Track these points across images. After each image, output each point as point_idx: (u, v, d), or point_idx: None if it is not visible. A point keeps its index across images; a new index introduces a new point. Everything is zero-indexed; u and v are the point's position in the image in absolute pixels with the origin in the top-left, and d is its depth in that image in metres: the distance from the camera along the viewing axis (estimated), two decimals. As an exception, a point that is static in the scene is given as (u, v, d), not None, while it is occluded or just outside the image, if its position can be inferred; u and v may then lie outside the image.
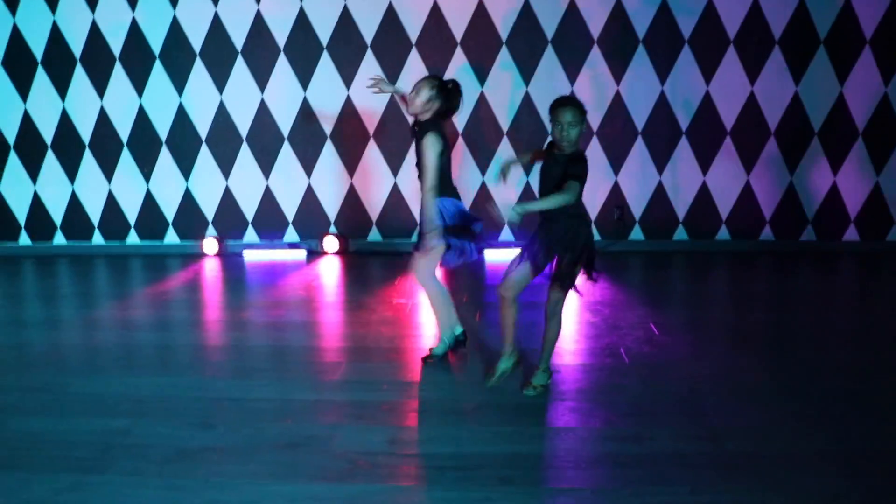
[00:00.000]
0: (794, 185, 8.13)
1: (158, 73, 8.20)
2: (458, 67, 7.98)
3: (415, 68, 7.89)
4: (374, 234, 8.44)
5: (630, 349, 5.02)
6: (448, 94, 4.53)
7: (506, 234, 8.34)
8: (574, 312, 5.74)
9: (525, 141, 8.05)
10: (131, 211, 8.58)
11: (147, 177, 8.45)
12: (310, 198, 8.32)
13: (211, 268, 7.91)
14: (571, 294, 4.18)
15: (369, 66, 7.96)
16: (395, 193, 8.25)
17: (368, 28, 7.94)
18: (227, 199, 8.44)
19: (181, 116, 8.27)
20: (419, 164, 4.51)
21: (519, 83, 8.02)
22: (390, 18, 7.91)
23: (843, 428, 3.83)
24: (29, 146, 8.50)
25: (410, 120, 4.72)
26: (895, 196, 8.14)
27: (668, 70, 7.94)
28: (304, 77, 8.09)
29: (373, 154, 8.20)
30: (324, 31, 7.99)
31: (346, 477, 3.41)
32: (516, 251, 4.30)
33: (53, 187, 8.58)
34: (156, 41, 8.14)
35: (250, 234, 8.55)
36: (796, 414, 3.99)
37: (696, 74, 7.94)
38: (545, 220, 4.09)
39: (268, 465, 3.54)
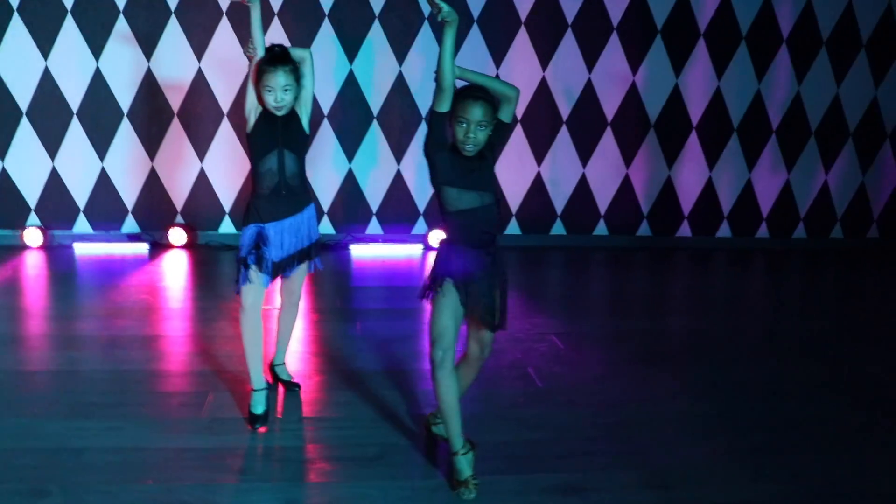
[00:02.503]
0: (672, 179, 7.95)
1: (-34, 32, 6.92)
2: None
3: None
4: (227, 226, 7.53)
5: (539, 369, 4.48)
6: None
7: (374, 228, 7.68)
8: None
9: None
10: (-68, 194, 7.25)
11: (-48, 154, 7.15)
12: (153, 183, 7.28)
13: (33, 263, 6.76)
14: None
15: (224, 35, 7.06)
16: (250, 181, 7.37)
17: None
18: (54, 183, 7.25)
19: (-5, 84, 7.03)
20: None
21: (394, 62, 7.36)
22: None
23: (795, 462, 3.47)
24: None
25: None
26: (802, 193, 8.17)
27: (550, 55, 7.52)
28: (149, 45, 7.05)
29: (226, 134, 7.27)
30: (172, -8, 7.00)
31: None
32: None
33: None
34: (-38, -7, 6.85)
35: (82, 224, 7.40)
36: (733, 448, 3.60)
37: (579, 60, 7.56)
38: (486, 242, 3.19)
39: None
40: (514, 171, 7.71)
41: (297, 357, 4.51)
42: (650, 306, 6.11)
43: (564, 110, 7.66)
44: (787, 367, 4.71)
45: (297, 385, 4.05)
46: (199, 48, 7.07)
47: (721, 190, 8.08)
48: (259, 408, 3.66)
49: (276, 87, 3.42)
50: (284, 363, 4.13)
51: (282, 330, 4.07)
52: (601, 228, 8.00)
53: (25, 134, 7.11)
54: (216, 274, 6.56)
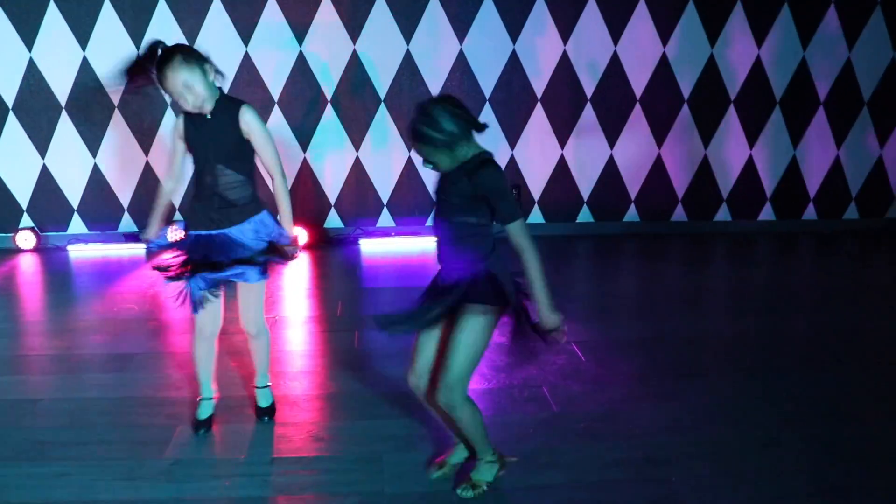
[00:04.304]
0: (708, 158, 7.30)
1: (-54, 24, 6.50)
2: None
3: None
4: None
5: (555, 388, 3.90)
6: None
7: (385, 220, 7.15)
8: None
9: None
10: (-80, 197, 6.87)
11: (-62, 154, 6.75)
12: (149, 179, 6.83)
13: (22, 269, 6.36)
14: None
15: (216, 19, 6.56)
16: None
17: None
18: (46, 182, 6.84)
19: (-21, 78, 6.60)
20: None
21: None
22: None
23: None
24: None
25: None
26: (854, 171, 7.50)
27: (571, 27, 6.89)
28: (136, 31, 6.56)
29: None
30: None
31: None
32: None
33: None
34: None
35: (77, 225, 6.99)
36: (791, 491, 3.02)
37: (604, 32, 6.92)
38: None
39: None
40: (535, 155, 7.13)
41: (280, 378, 4.01)
42: (685, 304, 5.45)
43: (589, 87, 7.04)
44: (857, 376, 4.08)
45: (268, 415, 3.55)
46: (191, 33, 6.58)
47: (763, 169, 7.41)
48: (203, 414, 3.47)
49: (175, 90, 2.97)
50: (268, 386, 3.64)
51: (255, 359, 3.60)
52: (632, 214, 7.39)
53: (13, 131, 6.70)
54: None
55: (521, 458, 3.17)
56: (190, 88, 2.98)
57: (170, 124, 6.67)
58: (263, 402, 3.59)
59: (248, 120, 3.11)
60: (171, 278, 3.21)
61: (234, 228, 3.20)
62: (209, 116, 3.09)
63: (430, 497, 2.93)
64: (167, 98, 3.04)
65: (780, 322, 4.99)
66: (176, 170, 3.29)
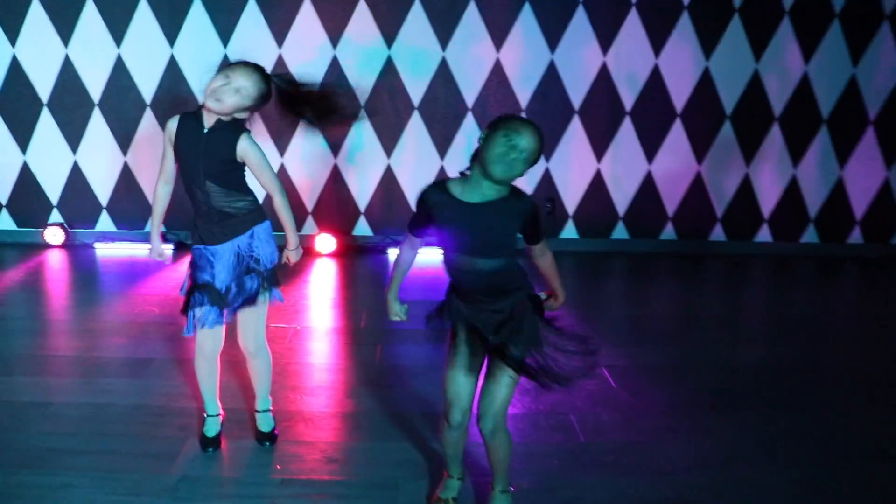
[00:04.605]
0: (750, 177, 7.07)
1: (-17, 18, 6.50)
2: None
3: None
4: (260, 224, 6.96)
5: (584, 416, 3.73)
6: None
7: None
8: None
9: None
10: (-47, 189, 6.88)
11: (-28, 147, 6.75)
12: (178, 179, 6.75)
13: (50, 265, 6.33)
14: None
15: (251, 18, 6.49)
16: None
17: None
18: (76, 178, 6.81)
19: (15, 73, 6.57)
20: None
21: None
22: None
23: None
24: None
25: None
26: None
27: (612, 38, 6.71)
28: (172, 31, 6.51)
29: (256, 124, 6.70)
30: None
31: None
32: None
33: None
34: (-22, -23, 6.42)
35: (105, 222, 6.95)
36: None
37: (645, 44, 6.74)
38: (491, 292, 2.62)
39: None
40: (570, 168, 6.95)
41: (297, 392, 3.89)
42: (724, 329, 5.24)
43: (628, 100, 6.85)
44: None
45: (270, 441, 3.39)
46: (225, 33, 6.51)
47: (807, 189, 7.15)
48: (210, 431, 3.37)
49: (231, 86, 2.95)
50: (269, 410, 3.48)
51: (255, 381, 3.45)
52: (669, 232, 7.18)
53: (47, 127, 6.68)
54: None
55: (544, 490, 3.02)
56: (238, 92, 2.95)
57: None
58: (265, 427, 3.43)
59: (244, 147, 3.03)
60: (184, 311, 3.17)
61: (238, 240, 3.10)
62: (206, 130, 3.00)
63: (444, 530, 2.79)
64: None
65: (820, 352, 4.78)
66: (168, 172, 3.21)
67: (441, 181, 2.60)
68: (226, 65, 3.02)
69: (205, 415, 3.40)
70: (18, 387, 3.91)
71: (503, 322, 2.60)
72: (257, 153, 3.05)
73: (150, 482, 3.03)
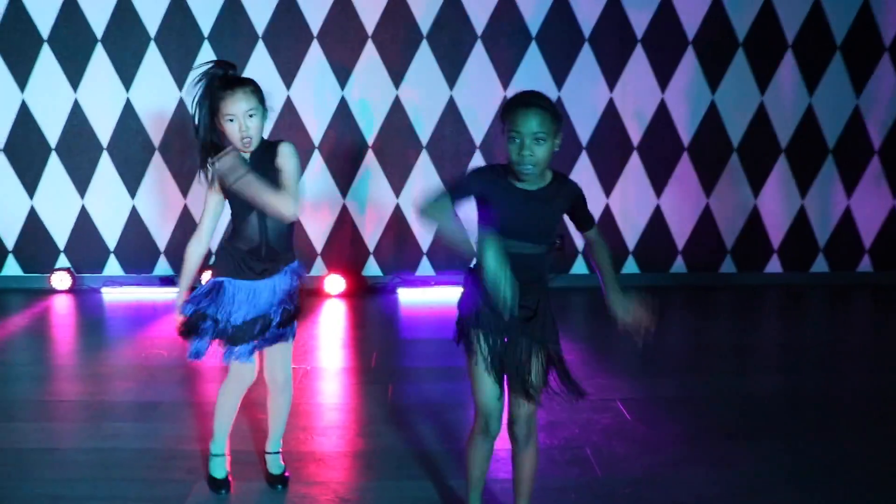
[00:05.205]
0: (759, 208, 7.04)
1: (-7, 65, 6.56)
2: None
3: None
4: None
5: (599, 448, 3.65)
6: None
7: (424, 269, 6.97)
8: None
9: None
10: (-40, 236, 6.88)
11: (-20, 193, 6.77)
12: (186, 222, 6.76)
13: (56, 310, 6.30)
14: None
15: (259, 62, 6.52)
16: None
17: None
18: (84, 223, 6.81)
19: (24, 117, 6.62)
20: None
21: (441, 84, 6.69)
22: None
23: None
24: None
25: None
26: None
27: (618, 74, 6.74)
28: (181, 74, 6.56)
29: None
30: (206, 19, 6.51)
31: None
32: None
33: None
34: (-10, 25, 6.50)
35: (112, 266, 6.93)
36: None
37: (651, 79, 6.76)
38: (529, 280, 2.58)
39: None
40: (579, 203, 6.92)
41: (309, 433, 3.82)
42: (736, 360, 5.17)
43: (635, 135, 6.85)
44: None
45: (282, 484, 3.30)
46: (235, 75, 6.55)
47: (815, 219, 7.12)
48: (219, 472, 3.28)
49: (239, 112, 2.83)
50: (279, 452, 3.39)
51: (273, 419, 3.34)
52: (679, 265, 7.13)
53: (54, 171, 6.71)
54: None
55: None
56: (252, 118, 2.88)
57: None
58: (276, 470, 3.33)
59: (284, 151, 2.96)
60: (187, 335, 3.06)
61: (276, 277, 3.06)
62: (249, 161, 2.95)
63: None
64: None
65: (835, 380, 4.70)
66: (207, 231, 3.08)
67: (495, 165, 2.61)
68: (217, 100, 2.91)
69: (211, 455, 3.28)
70: (22, 433, 3.84)
71: (529, 318, 2.62)
72: (294, 158, 2.98)
73: (158, 527, 2.97)
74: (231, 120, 2.86)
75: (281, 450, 3.38)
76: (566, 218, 2.76)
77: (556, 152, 2.52)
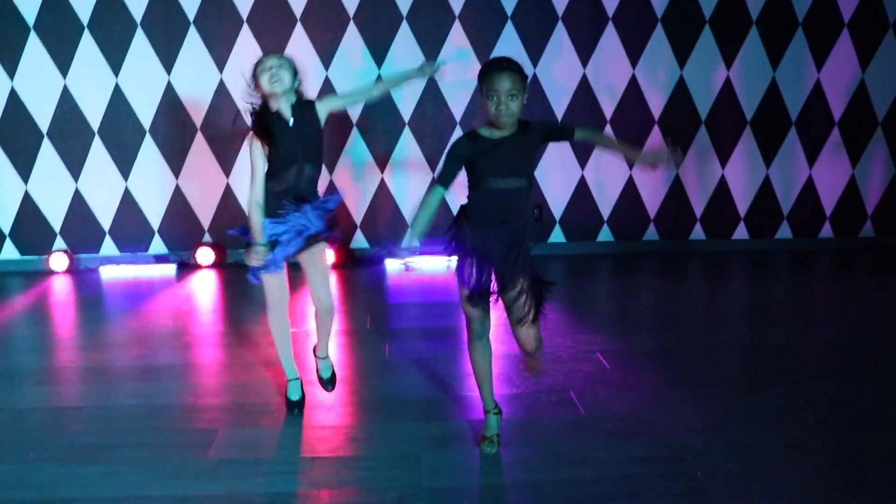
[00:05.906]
0: (726, 178, 7.41)
1: (-15, 53, 6.74)
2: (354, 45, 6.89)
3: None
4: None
5: (583, 393, 4.00)
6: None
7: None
8: (503, 339, 4.66)
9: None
10: (-43, 220, 7.09)
11: (-25, 179, 6.98)
12: (179, 201, 7.02)
13: (57, 290, 6.53)
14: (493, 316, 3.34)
15: (245, 44, 6.76)
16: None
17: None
18: (78, 205, 7.04)
19: (14, 105, 6.82)
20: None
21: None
22: (270, -11, 6.73)
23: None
24: None
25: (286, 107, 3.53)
26: (868, 189, 7.57)
27: (591, 51, 7.07)
28: (168, 58, 6.79)
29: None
30: (191, 3, 6.73)
31: None
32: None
33: None
34: (-21, 13, 6.67)
35: (108, 247, 7.17)
36: (807, 486, 3.10)
37: (622, 55, 7.10)
38: (502, 220, 3.12)
39: None
40: (556, 176, 7.27)
41: (315, 385, 4.12)
42: (706, 318, 5.55)
43: (608, 109, 7.20)
44: (880, 387, 4.13)
45: (332, 385, 3.95)
46: (220, 60, 6.80)
47: (779, 188, 7.51)
48: (295, 395, 3.82)
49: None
50: (328, 356, 3.93)
51: (321, 330, 3.85)
52: (651, 233, 7.50)
53: (47, 156, 6.91)
54: (244, 295, 6.21)
55: (551, 454, 3.30)
56: (281, 68, 3.38)
57: (199, 148, 6.88)
58: (326, 373, 3.93)
59: (323, 102, 3.57)
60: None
61: (305, 207, 3.53)
62: (291, 123, 3.45)
63: (465, 490, 3.06)
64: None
65: (797, 335, 5.07)
66: (261, 190, 3.49)
67: (471, 131, 3.08)
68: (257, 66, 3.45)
69: (287, 381, 3.81)
70: (46, 395, 4.14)
71: (509, 250, 3.11)
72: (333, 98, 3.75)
73: (190, 466, 3.26)
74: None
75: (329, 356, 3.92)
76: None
77: (524, 105, 3.00)
